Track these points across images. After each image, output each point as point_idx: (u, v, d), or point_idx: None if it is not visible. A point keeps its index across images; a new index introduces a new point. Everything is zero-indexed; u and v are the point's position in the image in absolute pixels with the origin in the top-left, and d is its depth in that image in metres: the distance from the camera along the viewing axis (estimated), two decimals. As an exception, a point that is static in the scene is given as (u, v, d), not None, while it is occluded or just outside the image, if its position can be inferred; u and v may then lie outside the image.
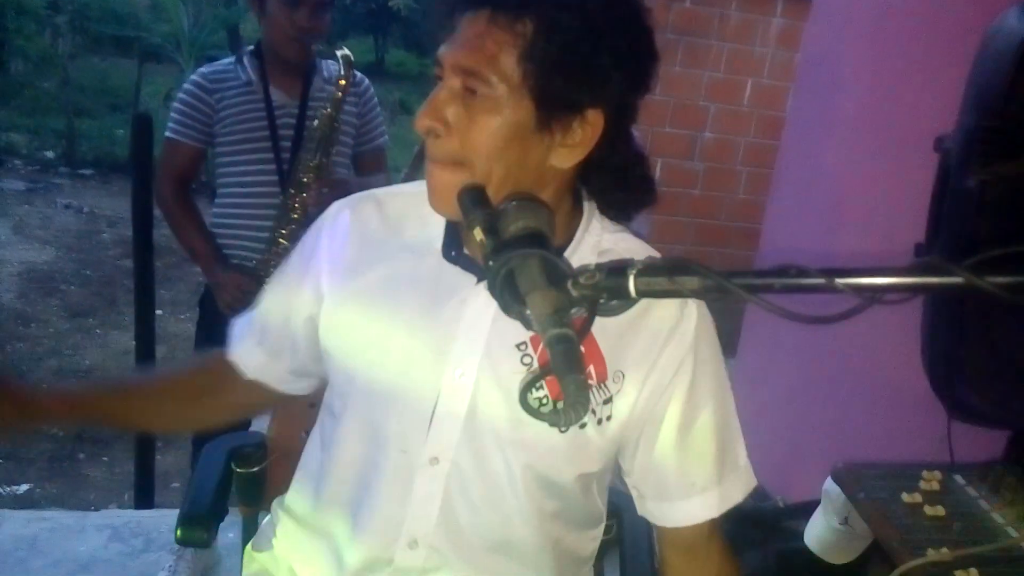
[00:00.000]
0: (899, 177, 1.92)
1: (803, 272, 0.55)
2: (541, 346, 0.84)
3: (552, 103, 0.80)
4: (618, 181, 0.88)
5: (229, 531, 1.99)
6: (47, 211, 7.76)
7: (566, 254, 0.90)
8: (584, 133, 0.83)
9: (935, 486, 1.31)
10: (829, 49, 2.39)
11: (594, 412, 0.88)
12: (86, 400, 1.09)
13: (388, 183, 2.32)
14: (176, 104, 2.02)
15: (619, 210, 0.92)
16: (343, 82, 1.90)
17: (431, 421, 0.90)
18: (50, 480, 3.35)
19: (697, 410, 0.92)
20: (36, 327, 5.00)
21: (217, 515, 1.28)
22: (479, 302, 0.88)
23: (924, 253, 1.39)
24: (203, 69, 2.04)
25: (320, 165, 1.92)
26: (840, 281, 0.52)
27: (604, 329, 0.86)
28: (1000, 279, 0.49)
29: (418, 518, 0.92)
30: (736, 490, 0.95)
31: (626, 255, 0.90)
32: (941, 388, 1.33)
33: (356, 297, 0.94)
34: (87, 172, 9.35)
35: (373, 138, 2.16)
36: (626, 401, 0.90)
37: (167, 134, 2.02)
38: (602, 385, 0.88)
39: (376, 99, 2.18)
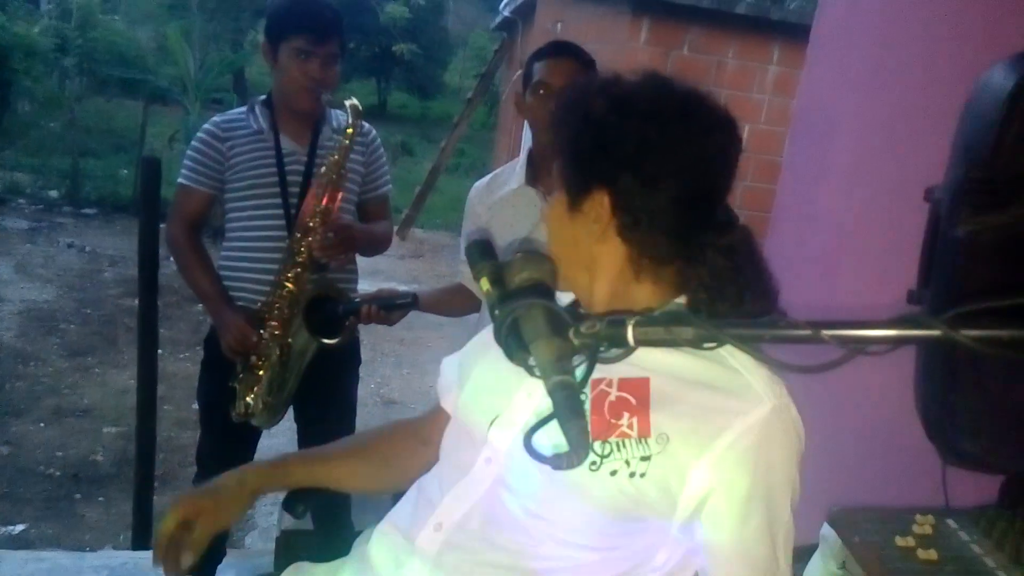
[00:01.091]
0: (893, 224, 1.96)
1: (792, 324, 0.58)
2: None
3: (571, 186, 0.96)
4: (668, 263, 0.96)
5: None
6: (50, 250, 7.82)
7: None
8: (596, 211, 0.94)
9: (928, 530, 1.32)
10: (824, 97, 2.45)
11: (628, 463, 0.88)
12: (306, 467, 1.21)
13: (391, 229, 2.38)
14: (189, 151, 2.06)
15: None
16: (350, 131, 1.95)
17: (491, 423, 0.99)
18: (46, 520, 3.34)
19: (745, 524, 0.90)
20: (35, 365, 5.01)
21: None
22: None
23: (916, 300, 1.42)
24: (216, 118, 2.09)
25: (326, 210, 1.96)
26: (826, 333, 0.55)
27: (662, 393, 0.89)
28: (975, 332, 0.52)
29: (449, 507, 0.99)
30: None
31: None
32: (934, 433, 1.35)
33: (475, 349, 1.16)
34: (90, 212, 9.45)
35: (378, 186, 2.20)
36: (664, 469, 0.89)
37: (180, 180, 2.06)
38: (643, 441, 0.88)
39: (382, 149, 2.22)
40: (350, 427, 2.27)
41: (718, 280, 0.93)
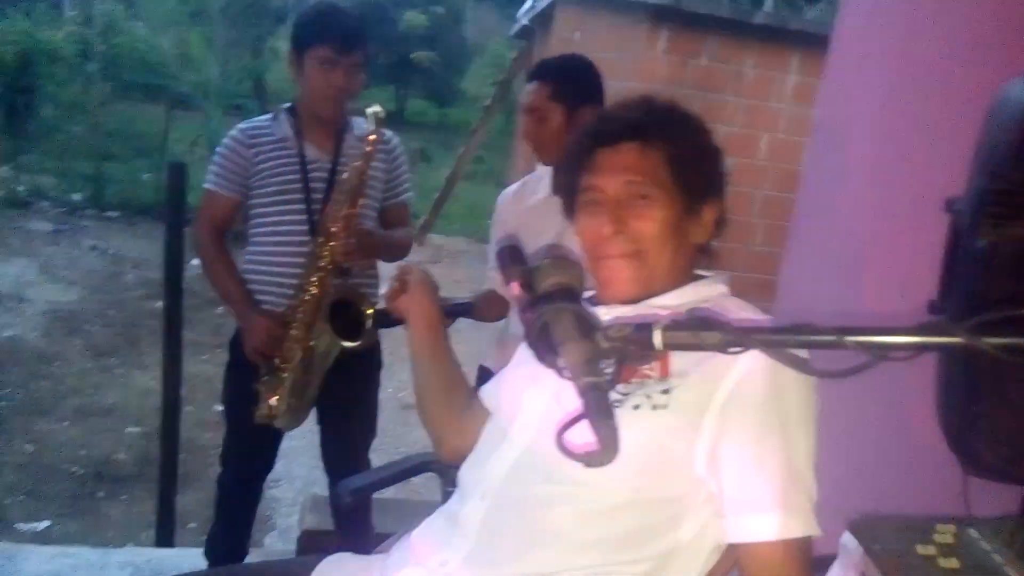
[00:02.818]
0: (913, 234, 1.97)
1: (816, 330, 0.59)
2: None
3: (693, 193, 1.09)
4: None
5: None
6: (73, 252, 7.93)
7: (658, 299, 1.09)
8: (712, 214, 1.12)
9: (949, 539, 1.32)
10: (843, 106, 2.46)
11: (649, 397, 0.98)
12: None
13: (411, 235, 2.41)
14: (215, 157, 2.10)
15: None
16: (373, 137, 1.97)
17: (522, 400, 1.11)
18: (70, 517, 3.39)
19: (761, 442, 0.97)
20: (59, 366, 5.08)
21: None
22: None
23: (937, 310, 1.43)
24: (242, 125, 2.13)
25: (348, 216, 1.99)
26: (849, 339, 0.57)
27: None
28: (998, 340, 0.53)
29: (488, 473, 1.08)
30: (797, 524, 0.96)
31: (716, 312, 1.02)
32: (955, 443, 1.35)
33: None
34: (113, 215, 9.57)
35: (398, 193, 2.23)
36: (685, 397, 0.97)
37: (206, 185, 2.10)
38: (663, 379, 0.99)
39: (404, 156, 2.26)
40: (372, 430, 2.30)
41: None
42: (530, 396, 1.11)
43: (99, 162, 10.16)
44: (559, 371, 0.71)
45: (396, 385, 4.52)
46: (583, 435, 0.67)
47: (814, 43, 5.04)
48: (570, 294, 0.74)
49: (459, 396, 1.31)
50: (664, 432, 0.97)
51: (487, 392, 1.26)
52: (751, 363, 0.94)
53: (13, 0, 12.38)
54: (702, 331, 0.64)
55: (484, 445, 1.16)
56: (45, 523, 3.30)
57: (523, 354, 1.22)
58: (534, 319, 0.71)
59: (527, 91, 1.96)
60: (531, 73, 2.01)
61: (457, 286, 6.75)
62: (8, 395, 4.51)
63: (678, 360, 0.98)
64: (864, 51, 2.40)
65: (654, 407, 0.97)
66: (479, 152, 10.59)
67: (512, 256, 0.82)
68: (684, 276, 1.13)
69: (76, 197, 9.91)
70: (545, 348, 0.71)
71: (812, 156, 2.75)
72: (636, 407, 0.97)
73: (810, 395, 1.01)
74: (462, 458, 1.20)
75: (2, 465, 3.74)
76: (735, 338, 0.62)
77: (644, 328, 0.67)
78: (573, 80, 1.95)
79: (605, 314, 1.07)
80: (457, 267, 8.69)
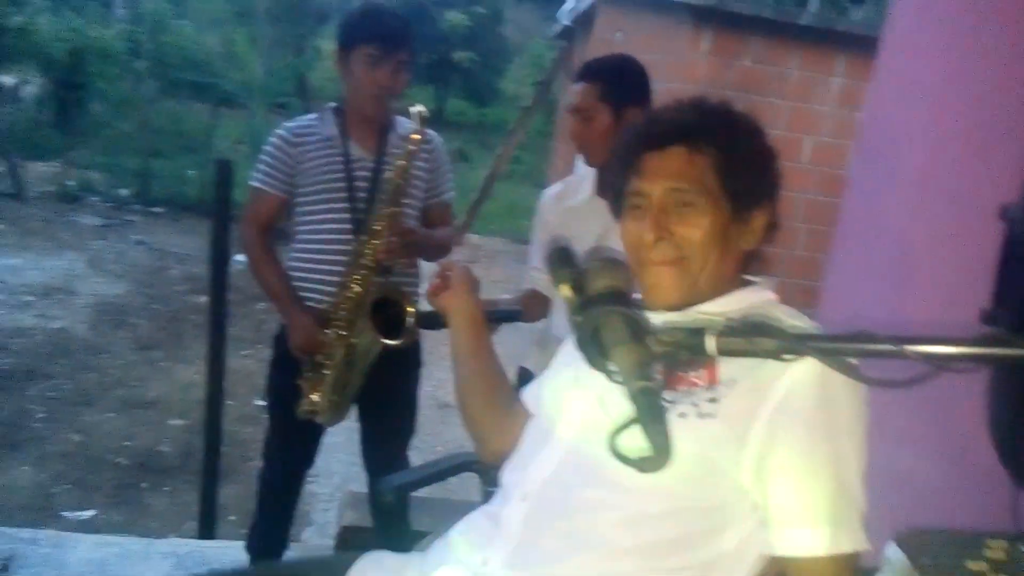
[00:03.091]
0: (964, 241, 1.93)
1: (874, 338, 0.58)
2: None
3: (741, 199, 1.07)
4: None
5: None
6: (120, 246, 8.11)
7: (703, 306, 1.07)
8: (762, 220, 1.10)
9: (1001, 555, 1.29)
10: (892, 109, 2.41)
11: (696, 405, 0.96)
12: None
13: (453, 235, 2.42)
14: (262, 155, 2.14)
15: None
16: (416, 136, 1.99)
17: (565, 403, 1.11)
18: (114, 507, 3.46)
19: (811, 454, 0.95)
20: (106, 358, 5.20)
21: None
22: None
23: (989, 319, 1.40)
24: (288, 124, 2.16)
25: (392, 214, 2.00)
26: (910, 348, 0.56)
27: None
28: (1065, 353, 0.52)
29: (530, 474, 1.08)
30: (847, 539, 0.95)
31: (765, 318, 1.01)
32: (1007, 456, 1.32)
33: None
34: (159, 210, 9.77)
35: (441, 193, 2.25)
36: (733, 406, 0.96)
37: (252, 183, 2.13)
38: (711, 387, 0.97)
39: (446, 156, 2.27)
40: (411, 427, 2.31)
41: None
42: (573, 399, 1.11)
43: (146, 158, 10.38)
44: (609, 375, 0.71)
45: (433, 384, 4.54)
46: (634, 440, 0.66)
47: (861, 45, 4.96)
48: (621, 297, 0.74)
49: (501, 397, 1.30)
50: (710, 441, 0.96)
51: (529, 394, 1.26)
52: (800, 373, 0.93)
53: (66, -1, 12.69)
54: (757, 337, 0.64)
55: (527, 447, 1.16)
56: (91, 512, 3.38)
57: (566, 356, 1.22)
58: (584, 322, 0.71)
59: (574, 91, 1.95)
60: (578, 73, 2.00)
61: (495, 286, 6.76)
62: (57, 385, 4.63)
63: (725, 368, 0.96)
64: (915, 54, 2.35)
65: (700, 415, 0.96)
66: (517, 152, 10.60)
67: (562, 258, 0.82)
68: (731, 282, 1.11)
69: (124, 192, 10.14)
70: (595, 351, 0.71)
71: (859, 160, 2.70)
72: (682, 415, 0.96)
73: (860, 405, 0.99)
74: (503, 459, 1.20)
75: (50, 454, 3.84)
76: (790, 345, 0.61)
77: (697, 333, 0.67)
78: (621, 81, 1.94)
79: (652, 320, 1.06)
80: (494, 267, 8.72)
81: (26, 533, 2.55)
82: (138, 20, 12.83)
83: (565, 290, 0.77)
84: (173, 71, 11.87)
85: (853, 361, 0.77)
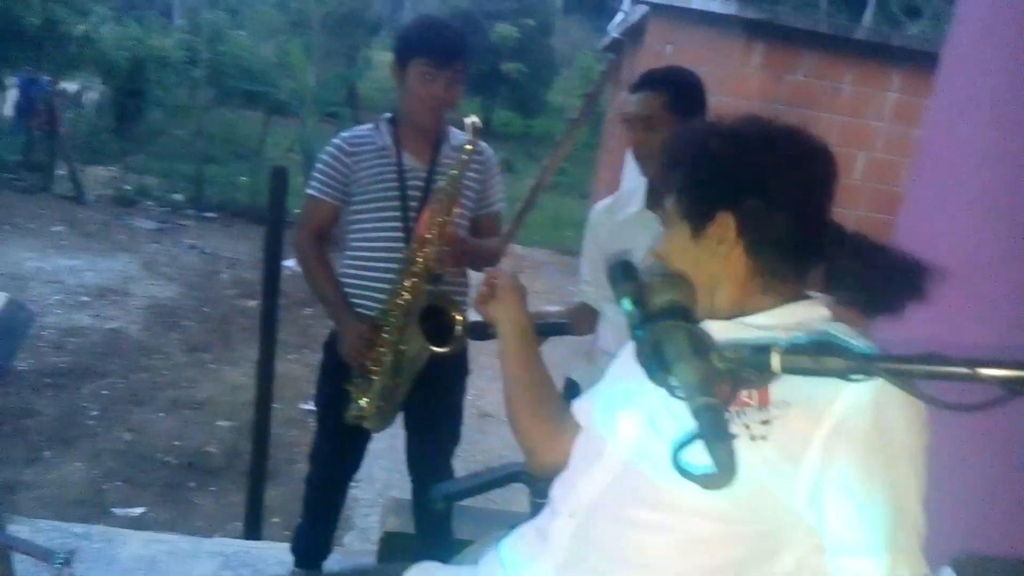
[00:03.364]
0: (1022, 263, 1.88)
1: (947, 360, 0.57)
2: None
3: (693, 215, 1.04)
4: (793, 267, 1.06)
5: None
6: (174, 250, 8.31)
7: (750, 318, 1.03)
8: (721, 233, 1.02)
9: (1062, 586, 1.25)
10: (952, 126, 2.36)
11: (748, 427, 0.94)
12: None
13: (502, 245, 2.43)
14: (318, 164, 2.18)
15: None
16: (469, 147, 2.01)
17: (617, 419, 1.09)
18: (163, 505, 3.54)
19: (868, 480, 0.92)
20: (157, 359, 5.32)
21: None
22: None
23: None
24: (344, 133, 2.20)
25: (442, 224, 2.02)
26: (985, 372, 0.55)
27: None
28: None
29: (580, 491, 1.08)
30: (906, 566, 0.93)
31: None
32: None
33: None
34: (212, 215, 10.01)
35: (491, 204, 2.26)
36: (786, 429, 0.93)
37: (308, 191, 2.18)
38: (763, 408, 0.94)
39: (498, 167, 2.28)
40: (456, 435, 2.32)
41: (845, 281, 1.05)
42: (625, 415, 1.09)
43: (200, 164, 10.64)
44: (671, 390, 0.70)
45: (475, 393, 4.56)
46: (695, 456, 0.66)
47: (918, 60, 4.88)
48: (683, 312, 0.74)
49: (550, 408, 1.29)
50: (762, 464, 0.93)
51: (580, 407, 1.26)
52: (856, 396, 0.90)
53: (127, 8, 13.11)
54: (823, 356, 0.63)
55: (576, 462, 1.15)
56: (140, 509, 3.45)
57: (618, 370, 1.21)
58: (646, 336, 0.71)
59: (633, 100, 1.92)
60: (638, 83, 1.97)
61: (538, 297, 6.76)
62: (110, 384, 4.75)
63: (778, 389, 0.93)
64: (977, 71, 2.30)
65: (752, 438, 0.93)
66: (562, 164, 10.61)
67: (624, 272, 0.82)
68: (781, 295, 1.06)
69: (178, 197, 10.41)
70: (657, 366, 0.70)
71: (916, 178, 2.65)
72: (733, 437, 0.94)
73: (919, 428, 0.96)
74: (552, 471, 1.19)
75: (102, 451, 3.94)
76: (859, 365, 0.60)
77: (762, 350, 0.66)
78: (686, 91, 1.93)
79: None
80: (538, 278, 8.73)
81: (79, 528, 2.62)
82: (197, 30, 13.20)
83: (627, 304, 0.77)
84: (228, 80, 12.17)
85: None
